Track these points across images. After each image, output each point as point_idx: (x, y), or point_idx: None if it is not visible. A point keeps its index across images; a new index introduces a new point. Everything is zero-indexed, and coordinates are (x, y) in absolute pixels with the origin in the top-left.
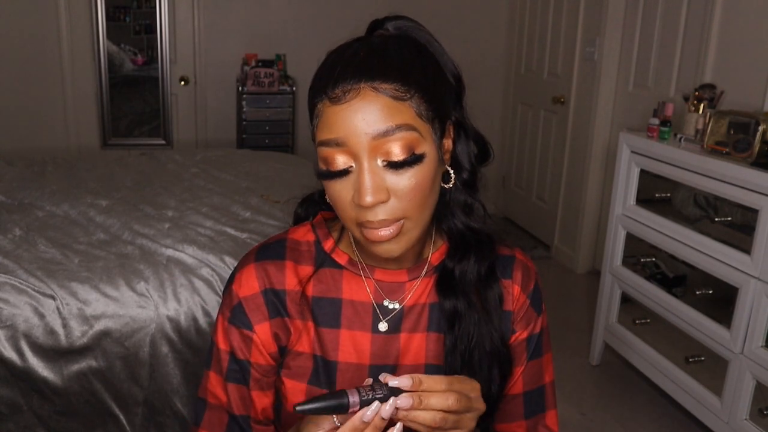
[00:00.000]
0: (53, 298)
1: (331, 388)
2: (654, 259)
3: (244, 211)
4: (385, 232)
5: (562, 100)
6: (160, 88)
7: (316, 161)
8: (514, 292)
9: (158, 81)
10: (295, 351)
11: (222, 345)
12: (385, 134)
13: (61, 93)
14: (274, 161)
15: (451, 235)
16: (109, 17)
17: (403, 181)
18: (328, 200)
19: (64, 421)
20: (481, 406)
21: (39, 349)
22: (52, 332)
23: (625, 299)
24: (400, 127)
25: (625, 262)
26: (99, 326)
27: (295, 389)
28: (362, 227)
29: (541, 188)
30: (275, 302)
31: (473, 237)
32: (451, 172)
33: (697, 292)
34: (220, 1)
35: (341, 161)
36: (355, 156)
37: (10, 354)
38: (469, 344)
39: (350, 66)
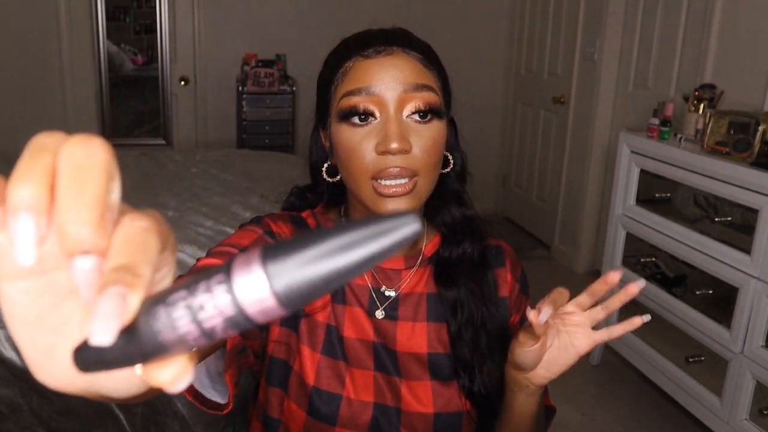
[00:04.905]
0: None
1: (342, 360)
2: (654, 259)
3: (244, 211)
4: (398, 189)
5: (562, 100)
6: (160, 88)
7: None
8: (507, 279)
9: (158, 81)
10: (313, 318)
11: (228, 241)
12: (415, 89)
13: (61, 93)
14: (274, 161)
15: (446, 225)
16: (109, 17)
17: (424, 137)
18: (341, 153)
19: (64, 421)
20: None
21: None
22: None
23: None
24: (427, 87)
25: (625, 262)
26: None
27: (311, 359)
28: (375, 182)
29: (541, 188)
30: None
31: (467, 224)
32: (450, 157)
33: (697, 292)
34: (220, 1)
35: (368, 110)
36: (382, 106)
37: (10, 354)
38: (475, 329)
39: (381, 34)
